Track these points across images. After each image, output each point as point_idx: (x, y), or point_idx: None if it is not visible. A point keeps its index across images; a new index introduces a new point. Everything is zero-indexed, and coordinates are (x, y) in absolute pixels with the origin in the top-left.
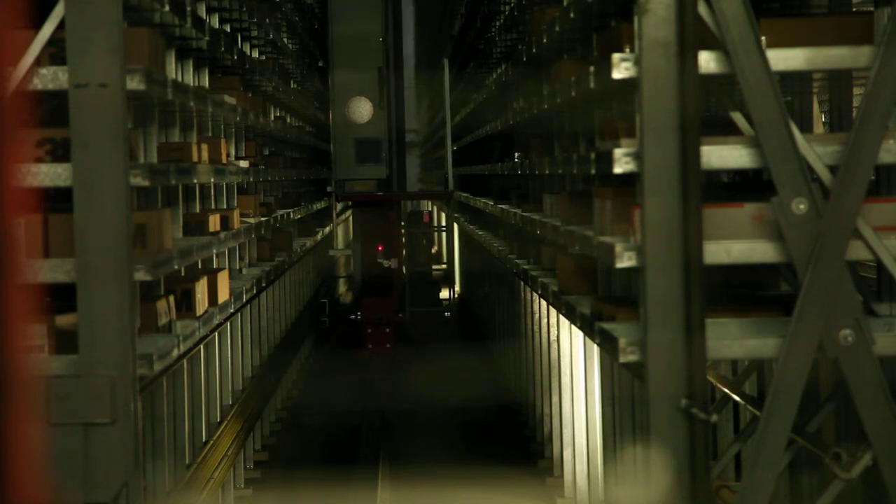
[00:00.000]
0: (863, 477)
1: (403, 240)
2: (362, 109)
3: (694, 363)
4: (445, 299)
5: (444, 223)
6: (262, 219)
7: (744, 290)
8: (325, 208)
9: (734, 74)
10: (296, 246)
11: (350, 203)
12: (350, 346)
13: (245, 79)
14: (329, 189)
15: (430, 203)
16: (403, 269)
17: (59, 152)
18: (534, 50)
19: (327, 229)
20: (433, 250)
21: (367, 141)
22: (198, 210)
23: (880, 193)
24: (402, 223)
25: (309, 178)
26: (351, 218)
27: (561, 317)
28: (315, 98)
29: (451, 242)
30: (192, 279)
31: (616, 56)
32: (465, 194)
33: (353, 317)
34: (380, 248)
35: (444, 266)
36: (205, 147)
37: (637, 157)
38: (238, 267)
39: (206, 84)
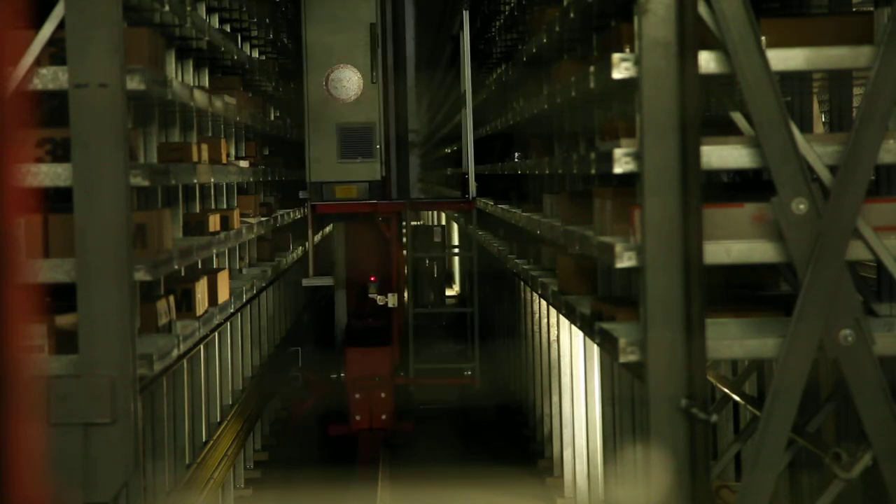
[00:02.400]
0: (863, 477)
1: (406, 267)
2: (347, 83)
3: (694, 363)
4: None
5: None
6: (262, 219)
7: (744, 291)
8: (293, 223)
9: (734, 74)
10: (247, 286)
11: (331, 215)
12: (329, 419)
13: (245, 79)
14: (302, 195)
15: (434, 214)
16: (406, 308)
17: (59, 152)
18: (534, 50)
19: (293, 255)
20: (452, 292)
21: (355, 128)
22: (198, 210)
23: (880, 193)
24: (405, 243)
25: (288, 180)
26: (334, 235)
27: (561, 317)
28: None
29: (472, 272)
30: (192, 279)
31: (616, 56)
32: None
33: (334, 375)
34: (372, 279)
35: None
36: (205, 147)
37: (637, 157)
38: (238, 267)
39: (206, 84)
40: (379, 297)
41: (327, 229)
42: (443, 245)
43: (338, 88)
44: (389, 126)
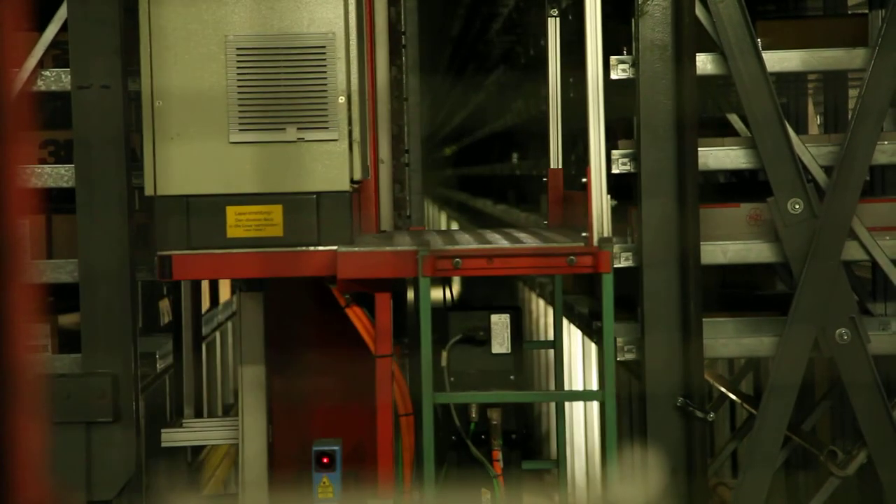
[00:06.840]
0: (858, 475)
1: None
2: None
3: (691, 362)
4: None
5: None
6: None
7: (740, 290)
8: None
9: (731, 76)
10: None
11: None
12: None
13: None
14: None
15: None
16: None
17: (62, 153)
18: (531, 52)
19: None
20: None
21: (279, 49)
22: None
23: (875, 194)
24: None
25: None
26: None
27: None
28: None
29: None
30: None
31: (613, 58)
32: (464, 194)
33: None
34: (324, 461)
35: None
36: None
37: (634, 158)
38: None
39: None
40: None
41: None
42: (518, 366)
43: None
44: (375, 41)
